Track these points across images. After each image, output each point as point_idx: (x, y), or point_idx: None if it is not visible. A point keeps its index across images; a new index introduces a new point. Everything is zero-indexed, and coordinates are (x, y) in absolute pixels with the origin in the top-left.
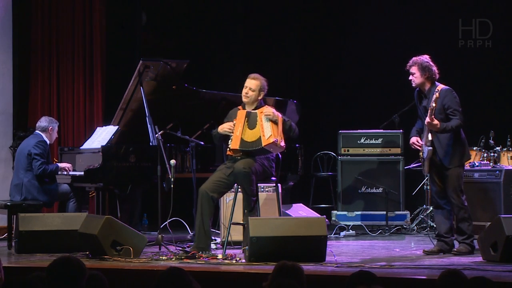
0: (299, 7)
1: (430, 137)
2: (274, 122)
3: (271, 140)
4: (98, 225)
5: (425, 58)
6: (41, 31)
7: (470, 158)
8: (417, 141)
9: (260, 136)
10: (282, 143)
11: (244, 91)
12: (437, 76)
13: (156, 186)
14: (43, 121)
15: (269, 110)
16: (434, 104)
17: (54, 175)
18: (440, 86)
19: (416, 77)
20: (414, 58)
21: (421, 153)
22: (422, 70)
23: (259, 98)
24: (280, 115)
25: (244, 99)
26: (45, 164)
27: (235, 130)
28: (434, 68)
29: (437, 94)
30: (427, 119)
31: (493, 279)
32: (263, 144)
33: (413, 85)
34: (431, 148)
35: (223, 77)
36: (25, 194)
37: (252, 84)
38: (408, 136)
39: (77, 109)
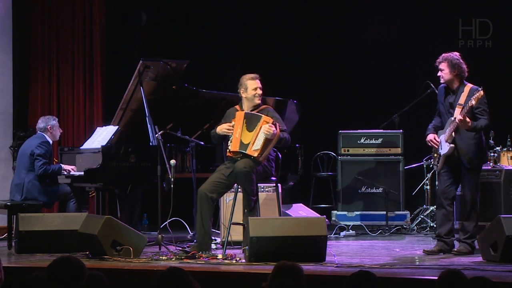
0: (299, 7)
1: (453, 134)
2: (269, 139)
3: (254, 154)
4: (98, 225)
5: (456, 55)
6: (41, 31)
7: (487, 161)
8: (435, 138)
9: (250, 142)
10: (263, 160)
11: (258, 92)
12: (466, 74)
13: (156, 186)
14: (40, 123)
15: (269, 129)
16: (474, 102)
17: (56, 175)
18: (470, 85)
19: (445, 74)
20: (444, 54)
21: (434, 150)
22: (451, 67)
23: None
24: (277, 131)
25: (258, 101)
26: (46, 165)
27: (234, 131)
28: (464, 66)
29: (481, 92)
30: (459, 116)
31: (493, 279)
32: (247, 151)
33: (442, 81)
34: (453, 145)
35: (223, 77)
36: (25, 194)
37: (259, 84)
38: (407, 136)
39: (77, 109)
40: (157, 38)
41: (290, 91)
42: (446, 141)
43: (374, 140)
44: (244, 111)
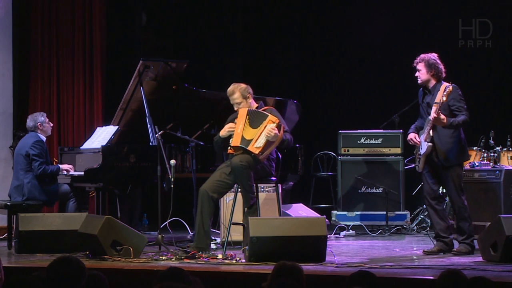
0: (299, 7)
1: (431, 133)
2: (270, 141)
3: (256, 151)
4: (98, 225)
5: (433, 56)
6: (41, 31)
7: (469, 159)
8: (415, 138)
9: (252, 139)
10: (264, 159)
11: (235, 108)
12: (444, 74)
13: (156, 186)
14: (29, 121)
15: (271, 131)
16: (444, 98)
17: (55, 175)
18: (446, 84)
19: (422, 74)
20: (421, 55)
21: (416, 150)
22: (428, 67)
23: (250, 101)
24: (280, 133)
25: (235, 108)
26: (44, 164)
27: (236, 127)
28: (441, 67)
29: (450, 88)
30: (433, 114)
31: (493, 279)
32: (248, 147)
33: (419, 81)
34: (431, 144)
35: (223, 77)
36: (27, 195)
37: (235, 99)
38: (407, 136)
39: (77, 109)
40: (157, 38)
41: (290, 91)
42: (425, 141)
43: (374, 140)
44: (247, 108)
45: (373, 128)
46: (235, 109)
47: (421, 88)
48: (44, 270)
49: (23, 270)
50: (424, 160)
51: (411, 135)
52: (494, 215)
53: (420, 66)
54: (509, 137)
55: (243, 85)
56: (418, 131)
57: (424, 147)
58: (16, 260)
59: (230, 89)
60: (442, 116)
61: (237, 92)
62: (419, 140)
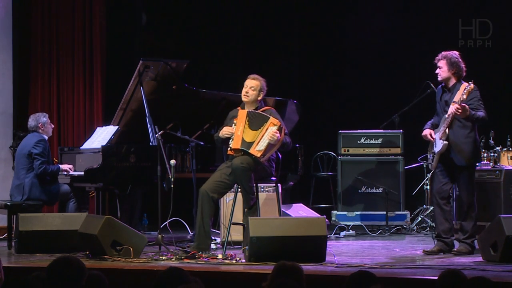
0: (299, 7)
1: (447, 131)
2: (272, 144)
3: (257, 154)
4: (98, 225)
5: (455, 53)
6: (41, 31)
7: (481, 161)
8: (430, 134)
9: (254, 141)
10: (264, 161)
11: (244, 90)
12: (464, 73)
13: (156, 186)
14: (30, 121)
15: (274, 135)
16: (464, 96)
17: (55, 175)
18: (466, 83)
19: (443, 71)
20: (443, 52)
21: (429, 148)
22: (450, 65)
23: (259, 98)
24: (281, 136)
25: (244, 99)
26: (46, 164)
27: (236, 129)
28: (462, 65)
29: (472, 86)
30: (456, 105)
31: (493, 279)
32: (250, 150)
33: (439, 78)
34: (446, 142)
35: (223, 77)
36: (28, 194)
37: (253, 83)
38: (407, 136)
39: (77, 109)
40: (157, 38)
41: (290, 91)
42: (440, 139)
43: (374, 140)
44: (246, 110)
45: (373, 128)
46: (243, 93)
47: (440, 86)
48: (44, 270)
49: (23, 270)
50: (438, 158)
51: (427, 131)
52: (494, 215)
53: (442, 64)
54: (509, 137)
55: (264, 81)
56: (434, 128)
57: (440, 145)
58: (16, 260)
59: (255, 75)
60: (466, 107)
61: (259, 81)
62: (434, 137)
